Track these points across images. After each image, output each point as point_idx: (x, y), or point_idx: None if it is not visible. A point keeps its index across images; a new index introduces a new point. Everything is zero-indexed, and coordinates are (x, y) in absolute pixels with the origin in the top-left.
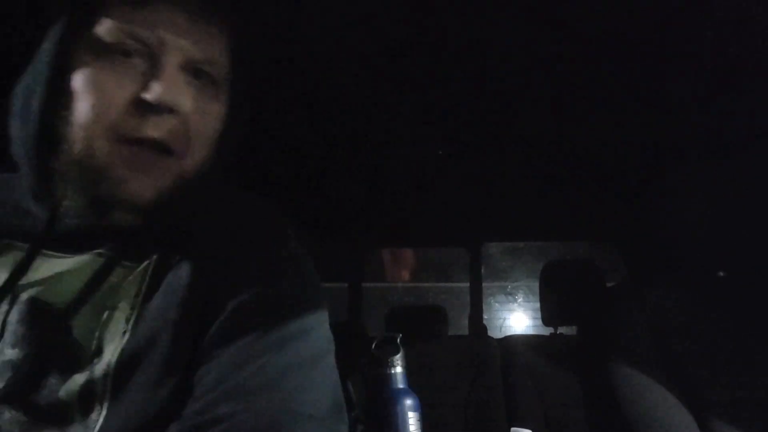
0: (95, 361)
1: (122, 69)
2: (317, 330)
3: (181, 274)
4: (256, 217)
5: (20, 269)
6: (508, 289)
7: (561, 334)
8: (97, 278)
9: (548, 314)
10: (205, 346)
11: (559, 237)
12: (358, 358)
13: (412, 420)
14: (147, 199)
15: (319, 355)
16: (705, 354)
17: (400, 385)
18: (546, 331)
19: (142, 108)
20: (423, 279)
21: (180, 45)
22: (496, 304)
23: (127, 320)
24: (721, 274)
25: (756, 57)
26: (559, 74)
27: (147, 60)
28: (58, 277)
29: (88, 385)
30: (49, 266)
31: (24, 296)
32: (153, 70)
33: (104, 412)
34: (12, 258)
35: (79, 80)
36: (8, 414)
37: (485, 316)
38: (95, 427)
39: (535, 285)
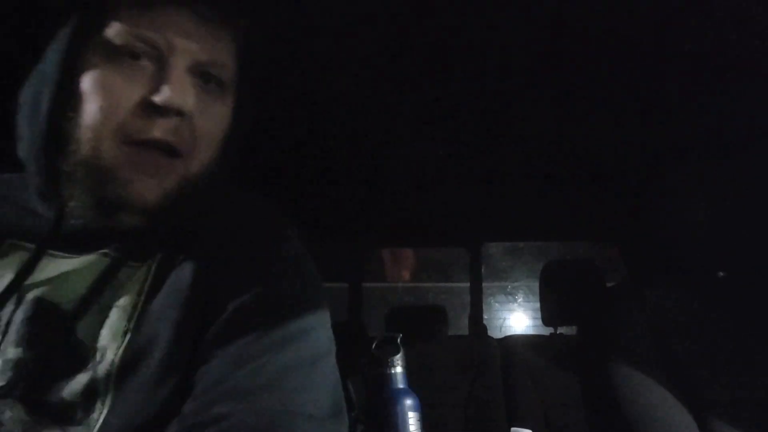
0: (98, 360)
1: (130, 71)
2: (318, 330)
3: (183, 273)
4: (257, 218)
5: (26, 269)
6: (508, 289)
7: (561, 334)
8: (103, 278)
9: (548, 314)
10: (205, 345)
11: (559, 237)
12: (358, 358)
13: (412, 420)
14: (153, 201)
15: (320, 356)
16: (705, 354)
17: (400, 385)
18: (546, 331)
19: (149, 110)
20: (423, 279)
21: (188, 48)
22: (496, 304)
23: (129, 319)
24: (721, 274)
25: (756, 57)
26: (559, 74)
27: (155, 62)
28: (64, 276)
29: (91, 385)
30: (54, 266)
31: (30, 296)
32: (161, 73)
33: (105, 411)
34: (18, 258)
35: (87, 82)
36: (9, 413)
37: (485, 316)
38: (96, 426)
39: (535, 285)
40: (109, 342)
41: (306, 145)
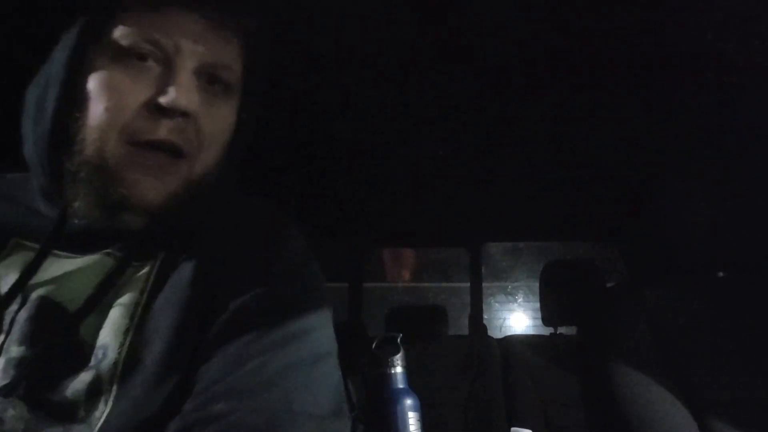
0: (100, 358)
1: (137, 73)
2: (319, 330)
3: (185, 273)
4: (259, 218)
5: (30, 269)
6: (508, 289)
7: (561, 334)
8: (106, 278)
9: (548, 314)
10: (206, 344)
11: (559, 237)
12: (358, 358)
13: (412, 420)
14: (156, 201)
15: (321, 355)
16: (705, 354)
17: (400, 385)
18: (546, 331)
19: (155, 111)
20: (423, 279)
21: (195, 50)
22: (496, 304)
23: (131, 317)
24: (721, 274)
25: (756, 57)
26: (559, 74)
27: (162, 64)
28: (68, 276)
29: (94, 383)
30: (58, 266)
31: (34, 295)
32: (167, 74)
33: (107, 410)
34: (22, 257)
35: (94, 83)
36: (12, 411)
37: (485, 316)
38: (98, 424)
39: (535, 285)
40: (111, 340)
41: (306, 145)
